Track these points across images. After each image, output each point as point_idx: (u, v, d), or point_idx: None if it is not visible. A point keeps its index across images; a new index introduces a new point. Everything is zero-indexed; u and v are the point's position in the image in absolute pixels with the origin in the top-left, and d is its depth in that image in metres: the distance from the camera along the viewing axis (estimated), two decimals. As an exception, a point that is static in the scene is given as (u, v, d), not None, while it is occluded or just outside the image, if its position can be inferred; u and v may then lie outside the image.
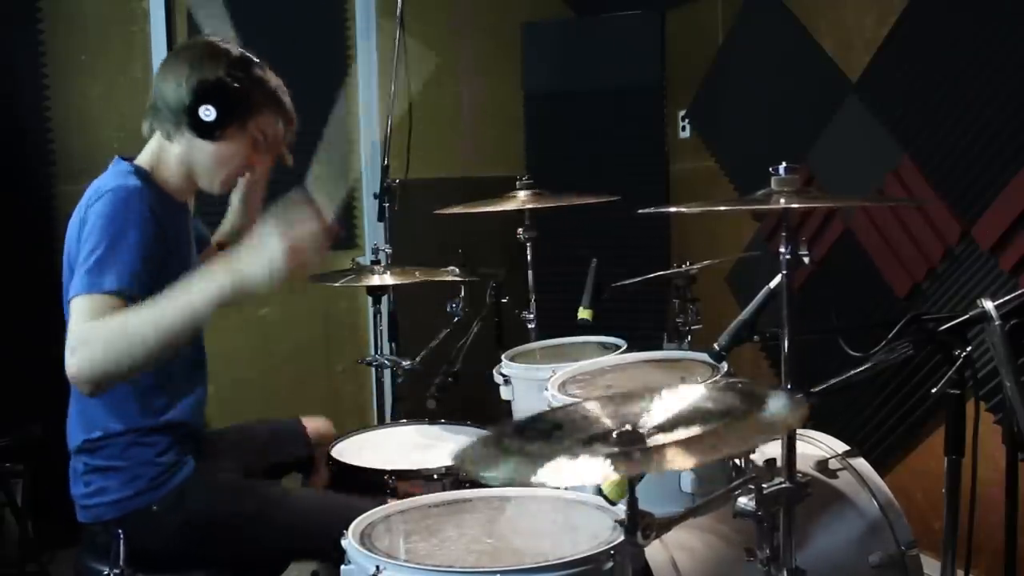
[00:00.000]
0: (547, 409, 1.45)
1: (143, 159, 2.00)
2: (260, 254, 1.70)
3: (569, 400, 1.99)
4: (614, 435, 1.23)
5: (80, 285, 1.73)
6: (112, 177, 1.91)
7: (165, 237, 1.87)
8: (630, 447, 1.20)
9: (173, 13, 3.72)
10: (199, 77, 1.90)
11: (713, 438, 1.20)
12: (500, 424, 1.36)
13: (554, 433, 1.28)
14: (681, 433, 1.23)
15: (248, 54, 1.99)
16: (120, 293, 1.72)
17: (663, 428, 1.26)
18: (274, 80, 2.02)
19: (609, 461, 1.14)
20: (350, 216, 4.07)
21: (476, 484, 1.80)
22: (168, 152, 1.99)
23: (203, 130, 1.92)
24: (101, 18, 3.62)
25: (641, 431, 1.25)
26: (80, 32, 3.59)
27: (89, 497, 1.93)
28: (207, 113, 1.90)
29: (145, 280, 1.76)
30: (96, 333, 1.68)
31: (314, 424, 2.40)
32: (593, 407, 1.35)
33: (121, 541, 1.88)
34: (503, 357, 2.50)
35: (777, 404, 1.27)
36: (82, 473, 1.94)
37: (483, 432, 1.34)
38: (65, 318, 1.89)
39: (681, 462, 1.15)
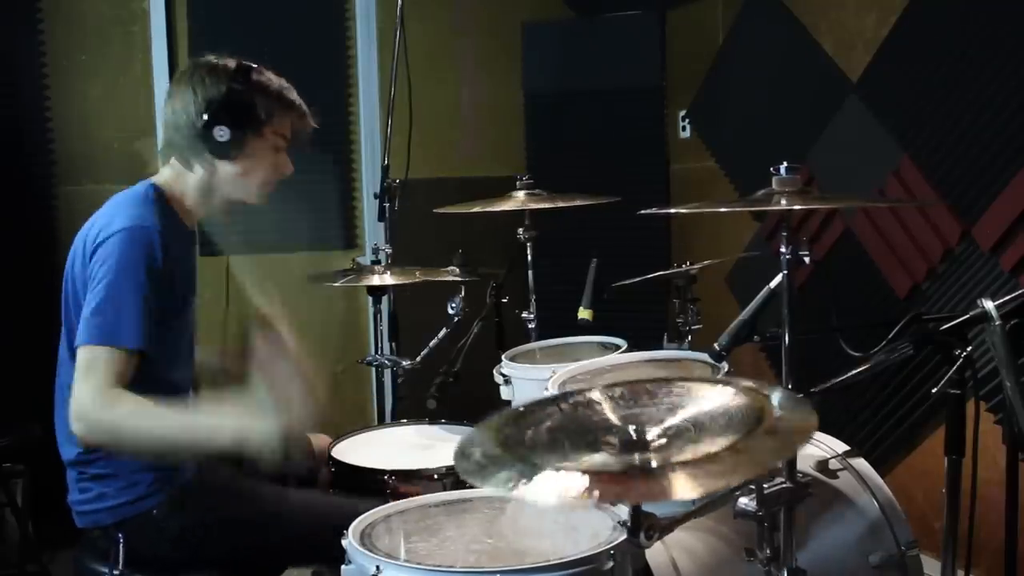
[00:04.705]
0: (556, 394, 1.39)
1: (160, 179, 1.99)
2: (263, 427, 1.75)
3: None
4: (619, 443, 1.21)
5: (92, 334, 1.74)
6: (127, 207, 1.89)
7: (173, 279, 1.87)
8: (634, 462, 1.17)
9: (173, 13, 3.71)
10: (204, 99, 1.90)
11: (726, 459, 1.13)
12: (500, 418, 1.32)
13: (556, 434, 1.25)
14: (691, 449, 1.17)
15: (245, 62, 1.97)
16: (134, 352, 1.75)
17: (670, 437, 1.22)
18: (276, 80, 2.01)
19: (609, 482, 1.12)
20: (350, 216, 4.07)
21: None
22: (186, 178, 1.98)
23: (222, 151, 1.92)
24: (101, 18, 3.62)
25: (648, 438, 1.22)
26: (80, 32, 3.58)
27: (87, 503, 1.91)
28: (221, 134, 1.90)
29: (155, 333, 1.78)
30: (107, 421, 1.73)
31: (318, 440, 2.37)
32: (601, 398, 1.33)
33: (120, 545, 1.87)
34: (503, 357, 2.50)
35: (785, 405, 1.23)
36: (78, 480, 1.93)
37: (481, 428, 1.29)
38: (64, 339, 1.90)
39: (689, 491, 1.09)
